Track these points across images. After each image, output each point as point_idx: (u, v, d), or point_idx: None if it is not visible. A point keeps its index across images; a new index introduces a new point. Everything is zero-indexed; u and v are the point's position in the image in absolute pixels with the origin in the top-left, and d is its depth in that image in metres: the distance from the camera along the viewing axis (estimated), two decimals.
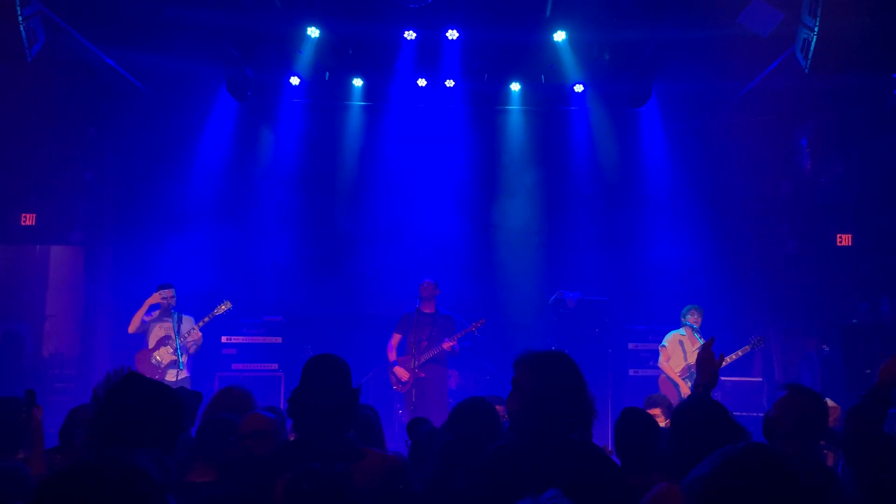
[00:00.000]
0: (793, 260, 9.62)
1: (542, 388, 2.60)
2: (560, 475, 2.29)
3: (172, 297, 7.98)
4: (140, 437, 2.25)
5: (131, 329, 8.03)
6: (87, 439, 2.30)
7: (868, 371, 6.68)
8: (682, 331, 8.31)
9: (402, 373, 8.09)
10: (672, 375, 8.10)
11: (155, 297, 7.96)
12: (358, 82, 9.81)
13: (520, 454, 2.55)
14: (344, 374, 2.91)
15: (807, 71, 6.36)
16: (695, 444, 2.35)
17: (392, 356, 8.28)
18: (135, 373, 2.48)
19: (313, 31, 8.60)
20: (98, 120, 9.71)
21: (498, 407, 5.41)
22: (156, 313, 8.03)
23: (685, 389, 7.95)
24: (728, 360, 7.84)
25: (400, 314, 8.42)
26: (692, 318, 8.22)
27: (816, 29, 6.05)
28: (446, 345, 7.95)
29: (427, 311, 8.15)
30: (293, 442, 2.89)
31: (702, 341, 7.93)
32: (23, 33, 6.33)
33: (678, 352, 8.18)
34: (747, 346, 7.88)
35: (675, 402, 7.94)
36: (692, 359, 8.01)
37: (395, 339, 8.30)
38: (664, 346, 8.28)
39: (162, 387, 2.46)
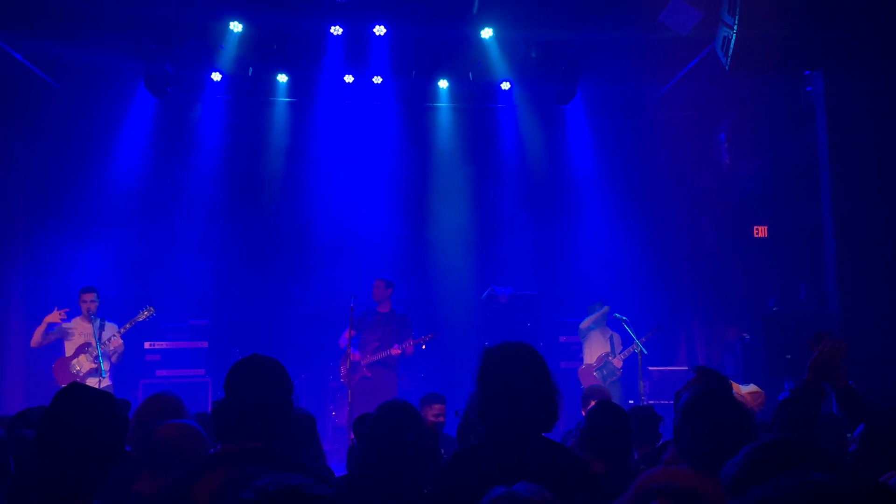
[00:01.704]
0: (713, 251, 9.95)
1: (511, 383, 2.48)
2: (531, 475, 2.24)
3: (94, 301, 7.62)
4: (88, 449, 2.13)
5: (33, 343, 7.66)
6: (37, 455, 2.16)
7: (788, 357, 6.96)
8: (592, 326, 8.95)
9: (354, 354, 7.83)
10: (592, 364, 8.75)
11: (53, 316, 7.57)
12: (283, 78, 9.60)
13: (487, 454, 2.45)
14: (272, 378, 2.59)
15: (727, 68, 6.57)
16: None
17: (342, 345, 7.98)
18: (78, 384, 2.34)
19: (236, 26, 8.37)
20: (7, 119, 9.19)
21: (437, 406, 5.40)
22: (76, 319, 7.67)
23: (617, 363, 8.67)
24: (629, 350, 8.49)
25: (331, 314, 8.31)
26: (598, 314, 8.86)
27: (736, 27, 6.26)
28: (394, 351, 7.87)
29: (382, 310, 8.13)
30: (218, 454, 2.59)
31: (610, 331, 8.77)
32: None
33: (590, 341, 8.88)
34: (644, 337, 8.22)
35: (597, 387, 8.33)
36: (606, 348, 8.78)
37: (349, 333, 7.83)
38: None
39: (106, 395, 2.33)
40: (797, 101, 7.90)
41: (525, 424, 2.47)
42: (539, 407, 2.49)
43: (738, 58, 6.38)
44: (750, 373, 8.13)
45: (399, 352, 7.88)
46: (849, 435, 3.67)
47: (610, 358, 8.66)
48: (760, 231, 9.20)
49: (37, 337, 7.61)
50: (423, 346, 8.07)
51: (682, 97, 9.60)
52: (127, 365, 8.32)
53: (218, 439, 2.64)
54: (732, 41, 6.34)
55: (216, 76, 9.21)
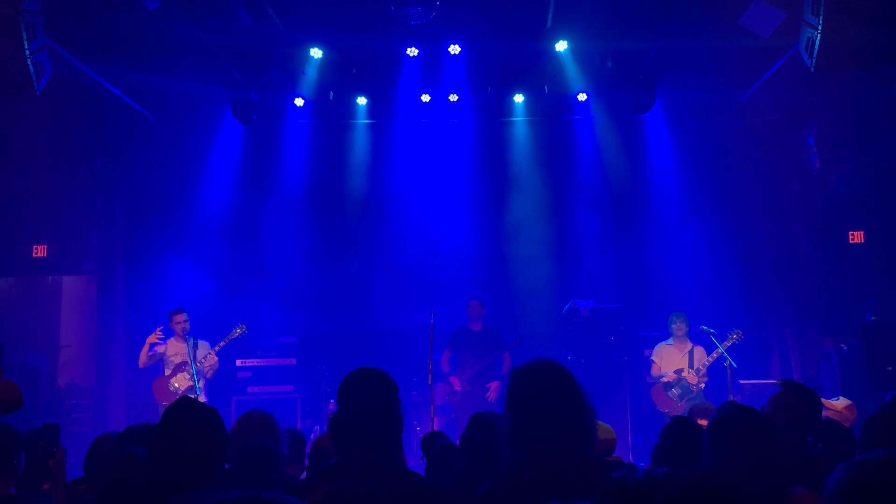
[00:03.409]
0: (806, 259, 9.56)
1: (535, 403, 2.38)
2: (567, 493, 2.22)
3: (186, 321, 7.98)
4: (197, 462, 2.24)
5: (141, 364, 8.06)
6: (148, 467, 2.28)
7: (890, 368, 6.62)
8: (668, 341, 8.46)
9: (455, 382, 8.51)
10: (662, 375, 8.28)
11: (153, 337, 7.95)
12: (362, 100, 9.85)
13: (525, 477, 2.36)
14: (384, 389, 2.68)
15: (812, 70, 6.34)
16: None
17: (445, 369, 8.65)
18: (188, 398, 2.46)
19: (316, 52, 8.66)
20: (107, 149, 9.78)
21: None
22: (171, 340, 8.04)
23: (671, 376, 8.14)
24: (710, 358, 7.97)
25: (415, 330, 8.55)
26: (675, 326, 8.36)
27: (820, 27, 6.04)
28: (493, 389, 8.45)
29: (475, 328, 8.75)
30: (334, 465, 2.69)
31: (690, 345, 8.03)
32: (30, 67, 6.39)
33: (663, 360, 8.37)
34: (726, 342, 7.79)
35: (667, 404, 8.02)
36: (681, 363, 8.20)
37: (446, 354, 8.67)
38: (653, 360, 8.46)
39: (211, 410, 2.45)
40: (890, 99, 7.54)
41: (553, 449, 2.32)
42: (568, 430, 2.34)
43: (824, 58, 6.14)
44: (848, 384, 7.77)
45: (505, 361, 8.50)
46: None
47: (684, 374, 8.13)
48: (856, 236, 8.82)
49: (142, 358, 8.01)
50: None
51: (766, 101, 9.30)
52: (220, 382, 8.65)
53: (337, 451, 2.69)
54: (817, 42, 6.12)
55: (299, 101, 9.54)
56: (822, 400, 4.47)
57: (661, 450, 3.31)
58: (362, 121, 10.24)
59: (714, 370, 8.24)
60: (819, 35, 6.11)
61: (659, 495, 1.18)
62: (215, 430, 2.31)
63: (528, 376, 2.46)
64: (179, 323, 7.96)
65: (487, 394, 8.43)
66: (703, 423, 5.14)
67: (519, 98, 9.83)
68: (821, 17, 6.09)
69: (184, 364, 7.91)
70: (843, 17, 5.99)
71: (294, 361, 9.38)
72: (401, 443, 3.98)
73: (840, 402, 4.45)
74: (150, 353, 7.97)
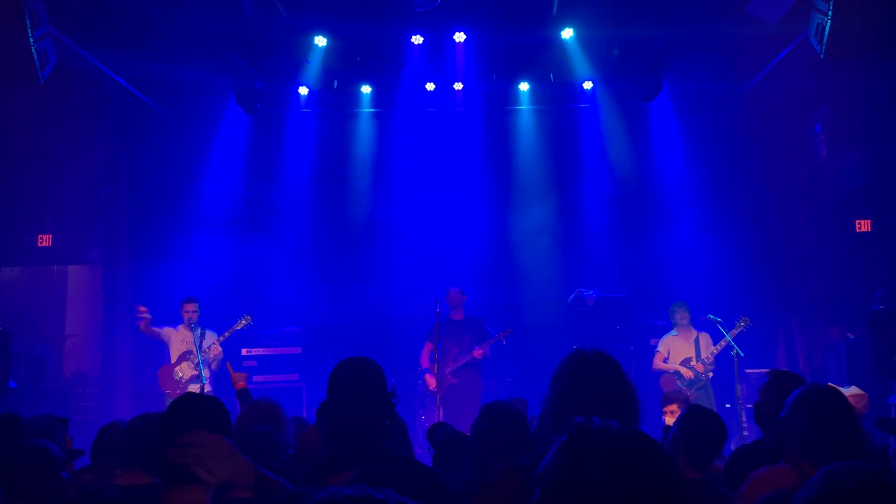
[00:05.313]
0: (812, 248, 9.52)
1: (584, 391, 2.38)
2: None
3: (196, 311, 7.97)
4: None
5: (142, 328, 7.96)
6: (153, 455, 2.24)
7: None
8: (673, 332, 8.43)
9: (430, 381, 8.18)
10: (670, 368, 8.23)
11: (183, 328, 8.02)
12: (366, 89, 9.81)
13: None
14: (374, 378, 2.65)
15: (822, 56, 6.27)
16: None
17: (424, 364, 8.42)
18: (191, 394, 2.44)
19: (320, 40, 8.61)
20: (111, 138, 9.76)
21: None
22: (179, 327, 8.04)
23: (687, 373, 8.09)
24: (718, 347, 7.90)
25: (420, 319, 8.47)
26: (678, 316, 8.32)
27: (830, 13, 5.96)
28: (477, 353, 8.07)
29: (456, 318, 8.36)
30: (326, 458, 2.62)
31: (695, 332, 8.11)
32: (34, 55, 6.34)
33: (670, 352, 8.33)
34: (734, 330, 7.72)
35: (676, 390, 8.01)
36: (688, 353, 8.18)
37: (427, 347, 8.39)
38: (658, 350, 8.43)
39: (215, 400, 2.42)
40: None
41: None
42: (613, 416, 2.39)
43: (834, 45, 6.07)
44: (855, 374, 7.74)
45: (481, 353, 8.08)
46: None
47: (693, 363, 8.12)
48: (863, 225, 8.77)
49: (149, 327, 7.97)
50: (504, 342, 8.25)
51: (773, 89, 9.23)
52: (225, 371, 8.63)
53: (327, 442, 2.64)
54: (827, 28, 6.04)
55: (303, 90, 9.50)
56: (832, 387, 4.44)
57: (680, 438, 3.32)
58: (367, 109, 10.20)
59: (720, 358, 8.20)
60: (829, 21, 6.03)
61: None
62: (219, 420, 2.29)
63: (574, 364, 2.46)
64: (188, 312, 7.95)
65: (475, 353, 8.05)
66: (672, 408, 5.15)
67: (524, 86, 9.77)
68: (831, 3, 6.01)
69: (189, 353, 7.91)
70: (855, 3, 5.92)
71: (299, 350, 9.39)
72: (405, 431, 3.97)
73: (848, 391, 4.42)
74: (159, 329, 7.97)
